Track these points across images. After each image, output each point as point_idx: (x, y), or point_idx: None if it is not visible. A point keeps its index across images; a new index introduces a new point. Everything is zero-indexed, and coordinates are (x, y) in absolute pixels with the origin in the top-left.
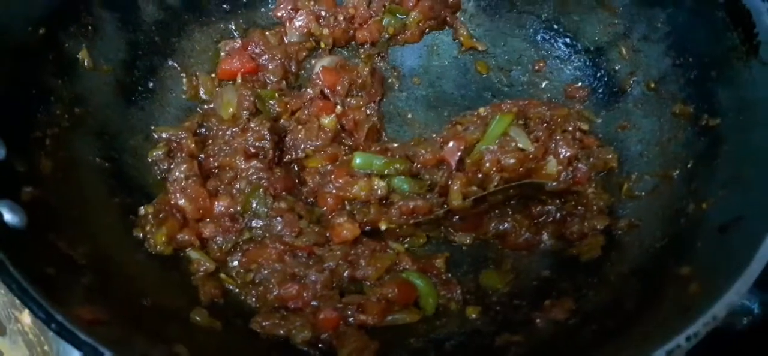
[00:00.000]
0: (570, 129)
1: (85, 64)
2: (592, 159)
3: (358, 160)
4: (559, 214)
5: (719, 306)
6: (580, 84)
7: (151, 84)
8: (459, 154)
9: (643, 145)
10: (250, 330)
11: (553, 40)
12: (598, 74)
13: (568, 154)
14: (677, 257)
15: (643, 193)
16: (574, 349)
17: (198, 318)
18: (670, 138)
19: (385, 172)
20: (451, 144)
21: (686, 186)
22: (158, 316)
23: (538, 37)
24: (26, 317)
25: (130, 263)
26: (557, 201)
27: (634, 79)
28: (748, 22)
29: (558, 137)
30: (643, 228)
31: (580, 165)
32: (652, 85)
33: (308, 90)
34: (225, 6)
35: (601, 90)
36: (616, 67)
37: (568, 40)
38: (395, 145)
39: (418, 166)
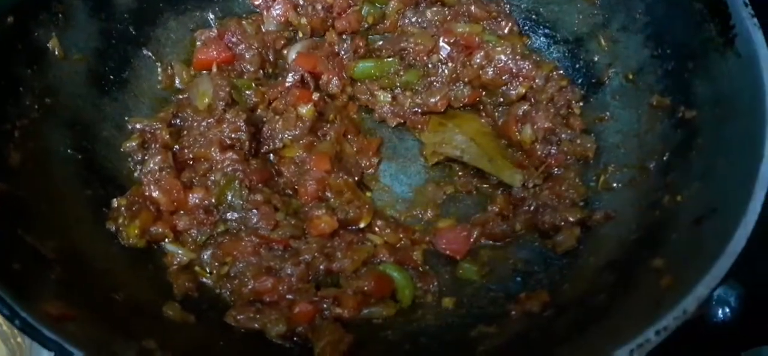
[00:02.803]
0: (559, 103)
1: (56, 53)
2: (569, 140)
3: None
4: (532, 205)
5: (689, 300)
6: None
7: (124, 73)
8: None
9: (621, 136)
10: (224, 323)
11: (532, 31)
12: (577, 65)
13: (545, 126)
14: (651, 249)
15: (619, 185)
16: (547, 341)
17: (170, 313)
18: (647, 130)
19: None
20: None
21: (662, 179)
22: (130, 311)
23: None
24: None
25: (103, 256)
26: (531, 188)
27: (613, 71)
28: (724, 14)
29: (540, 111)
30: (618, 219)
31: (553, 150)
32: (631, 77)
33: (287, 78)
34: None
35: (579, 81)
36: (595, 58)
37: (547, 30)
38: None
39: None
